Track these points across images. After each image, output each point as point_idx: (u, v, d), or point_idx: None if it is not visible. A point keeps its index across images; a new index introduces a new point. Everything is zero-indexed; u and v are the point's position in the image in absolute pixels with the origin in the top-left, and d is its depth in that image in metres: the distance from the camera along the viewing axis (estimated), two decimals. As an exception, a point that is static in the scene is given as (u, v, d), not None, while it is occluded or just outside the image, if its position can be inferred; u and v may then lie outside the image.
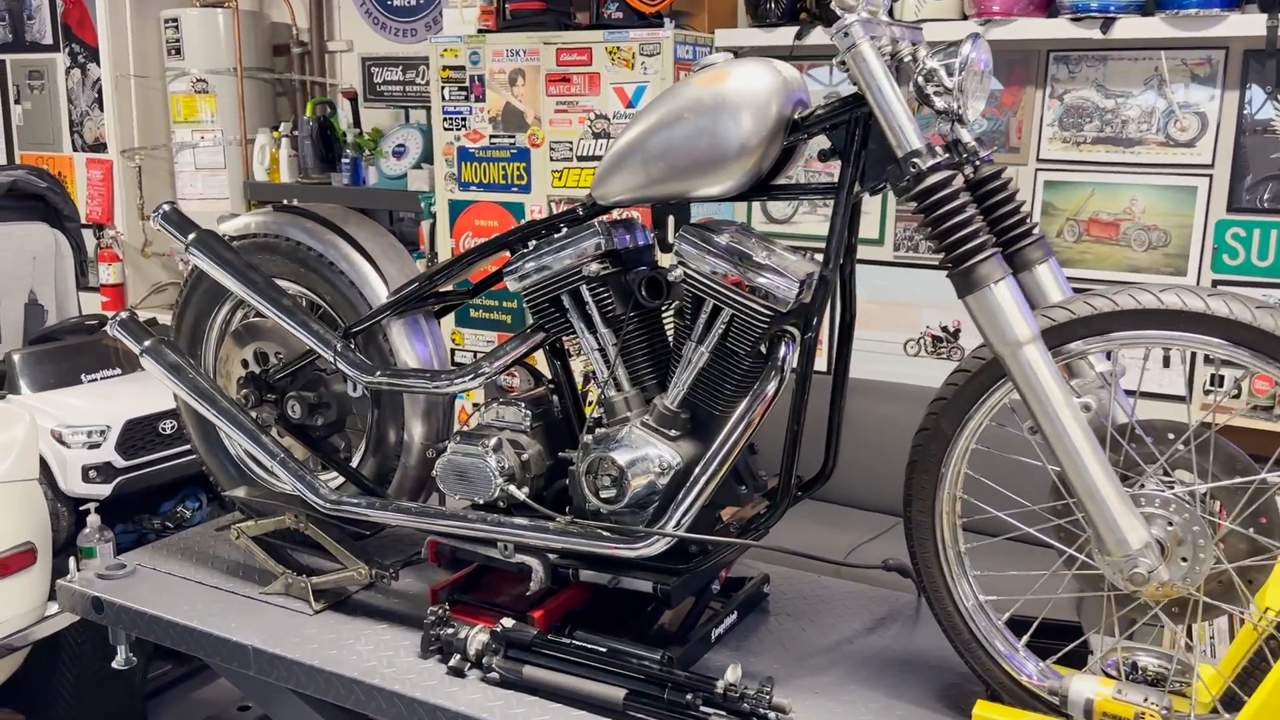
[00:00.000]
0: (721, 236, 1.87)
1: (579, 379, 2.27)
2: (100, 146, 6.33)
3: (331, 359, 2.24)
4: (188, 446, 3.31)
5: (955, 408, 1.78)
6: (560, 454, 2.11)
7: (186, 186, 6.14)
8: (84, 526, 2.84)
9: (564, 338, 2.13)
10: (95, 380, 3.50)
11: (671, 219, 2.02)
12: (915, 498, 1.85)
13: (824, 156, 1.83)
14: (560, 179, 4.16)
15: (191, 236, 2.38)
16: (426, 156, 5.13)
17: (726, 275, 1.84)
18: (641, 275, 1.99)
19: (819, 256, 1.87)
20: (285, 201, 5.34)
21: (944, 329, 4.07)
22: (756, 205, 4.55)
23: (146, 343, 2.42)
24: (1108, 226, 3.76)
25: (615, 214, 2.16)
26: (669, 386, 1.97)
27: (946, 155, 1.67)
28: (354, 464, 2.44)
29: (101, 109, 6.24)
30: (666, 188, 1.93)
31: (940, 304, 4.03)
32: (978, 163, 1.78)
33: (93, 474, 3.23)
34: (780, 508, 1.90)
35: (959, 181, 1.67)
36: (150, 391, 3.37)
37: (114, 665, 2.46)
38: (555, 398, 2.24)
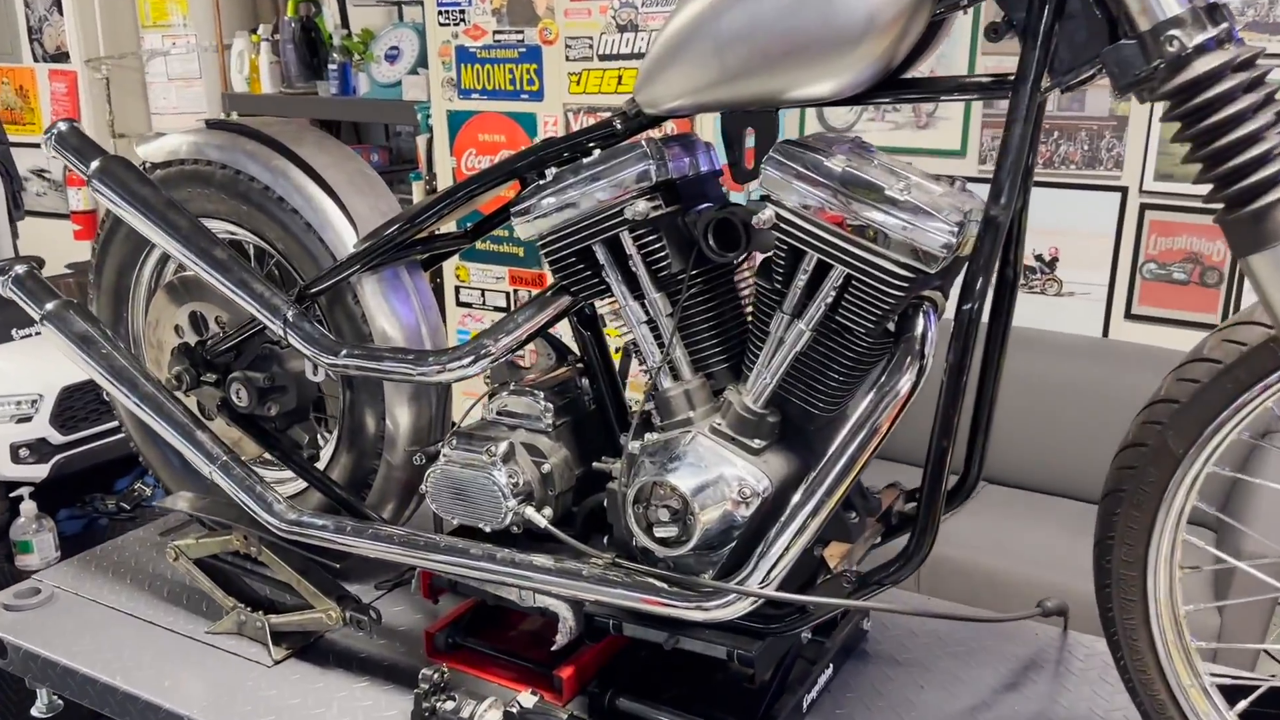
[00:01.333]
0: (833, 159, 1.25)
1: (611, 353, 1.68)
2: (63, 56, 5.66)
3: (280, 332, 1.65)
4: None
5: (1191, 417, 1.18)
6: (596, 464, 1.53)
7: (159, 99, 5.49)
8: (18, 516, 2.29)
9: (597, 302, 1.54)
10: (29, 337, 2.93)
11: (751, 134, 1.41)
12: (1119, 542, 1.27)
13: (994, 34, 1.20)
14: (579, 83, 3.50)
15: (95, 165, 1.77)
16: (423, 60, 4.47)
17: (843, 217, 1.23)
18: (708, 217, 1.38)
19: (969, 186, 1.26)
20: (224, 116, 4.69)
21: (1038, 258, 3.44)
22: (802, 113, 3.89)
23: (48, 305, 1.84)
24: None
25: (665, 129, 1.54)
26: (748, 376, 1.38)
27: (1222, 26, 1.05)
28: (322, 465, 1.87)
29: (61, 12, 5.56)
30: (748, 86, 1.31)
31: (1033, 227, 3.39)
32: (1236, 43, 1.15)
33: (24, 453, 2.67)
34: (918, 554, 1.32)
35: (1239, 73, 1.04)
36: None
37: (34, 714, 1.94)
38: (584, 380, 1.65)
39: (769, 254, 1.36)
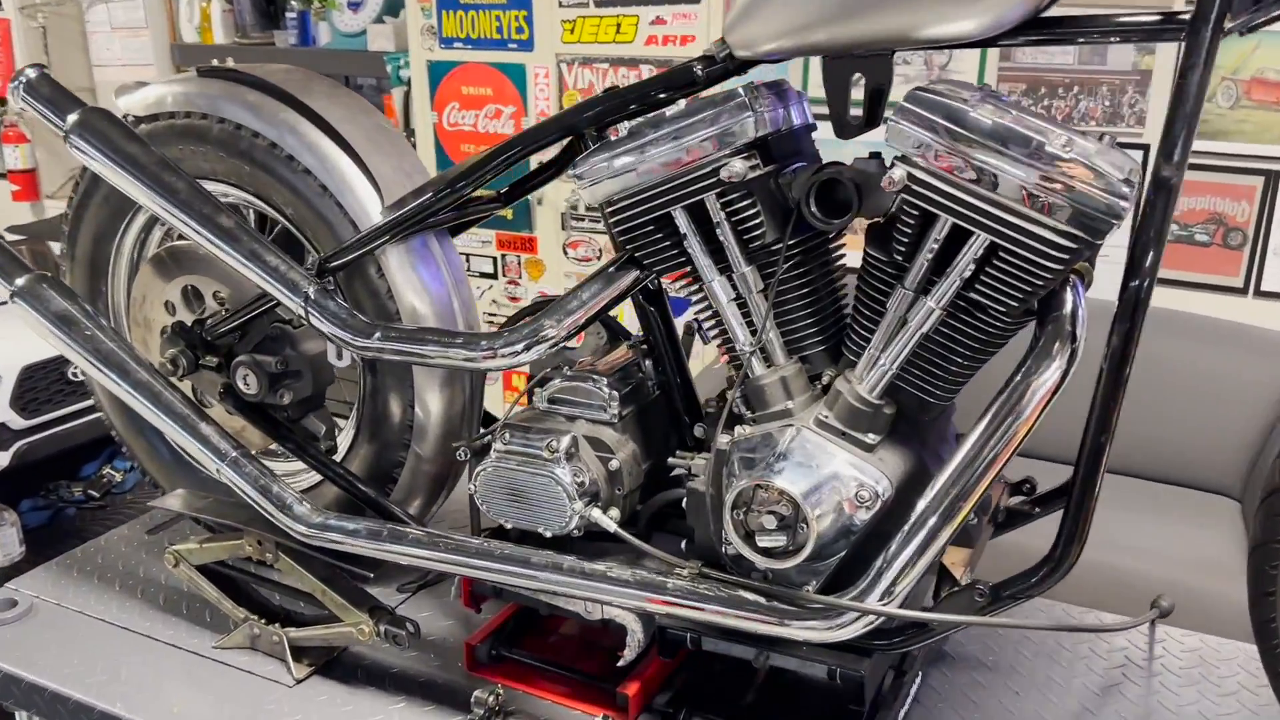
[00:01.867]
0: (979, 109, 1.07)
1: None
2: (-6, 2, 5.28)
3: (300, 311, 1.44)
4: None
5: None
6: (672, 459, 1.36)
7: (101, 50, 5.14)
8: (-25, 510, 2.06)
9: (667, 274, 1.35)
10: (-20, 309, 2.65)
11: (861, 80, 1.22)
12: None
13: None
14: (572, 32, 3.27)
15: (74, 119, 1.53)
16: (390, 8, 4.20)
17: (995, 178, 1.06)
18: (810, 177, 1.20)
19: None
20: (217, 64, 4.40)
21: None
22: (805, 61, 3.70)
23: (20, 280, 1.60)
24: (1275, 88, 2.98)
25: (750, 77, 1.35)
26: (855, 360, 1.21)
27: None
28: (339, 456, 1.67)
29: (-9, -46, 5.18)
30: (867, 24, 1.13)
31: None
32: None
33: (-19, 440, 2.43)
34: (1065, 563, 1.16)
35: None
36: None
37: (11, 739, 1.73)
38: (647, 362, 1.47)
39: (879, 219, 1.19)
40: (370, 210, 1.53)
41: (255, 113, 1.56)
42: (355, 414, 1.67)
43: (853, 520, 1.18)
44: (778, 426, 1.22)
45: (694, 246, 1.26)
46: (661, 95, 1.32)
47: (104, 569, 1.84)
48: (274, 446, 1.66)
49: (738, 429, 1.26)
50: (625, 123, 1.35)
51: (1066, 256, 1.06)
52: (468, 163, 1.42)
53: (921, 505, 1.15)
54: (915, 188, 1.10)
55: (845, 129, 1.24)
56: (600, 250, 3.59)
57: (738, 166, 1.18)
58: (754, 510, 1.20)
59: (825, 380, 1.28)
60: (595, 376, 1.41)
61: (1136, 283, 1.06)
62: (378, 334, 1.40)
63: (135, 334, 1.74)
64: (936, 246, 1.12)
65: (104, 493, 2.77)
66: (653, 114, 1.25)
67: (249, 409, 1.61)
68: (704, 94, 1.26)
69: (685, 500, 1.33)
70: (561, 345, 1.51)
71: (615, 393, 1.39)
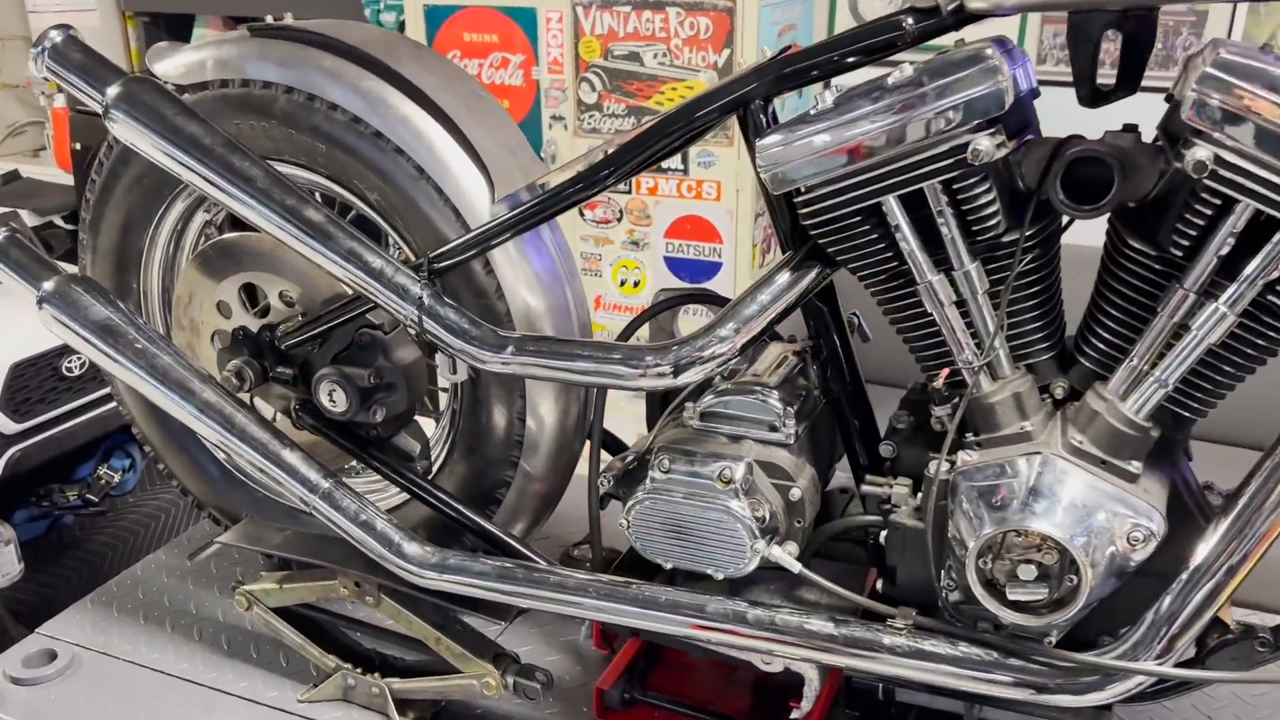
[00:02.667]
0: (1307, 78, 0.88)
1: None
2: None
3: (414, 320, 1.22)
4: (106, 390, 2.26)
5: None
6: (865, 486, 1.17)
7: (39, -7, 4.71)
8: (-32, 528, 1.81)
9: (866, 272, 1.15)
10: (-43, 298, 2.36)
11: (1117, 39, 1.02)
12: None
13: None
14: (591, -26, 3.00)
15: (115, 91, 1.27)
16: (376, -52, 3.87)
17: (1335, 164, 0.87)
18: (1062, 156, 1.00)
19: None
20: (121, 14, 4.02)
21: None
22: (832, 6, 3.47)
23: (48, 284, 1.35)
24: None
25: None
26: (1116, 373, 1.03)
27: None
28: (431, 475, 1.46)
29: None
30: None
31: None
32: None
33: (-30, 449, 2.16)
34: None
35: None
36: (44, 309, 2.26)
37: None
38: (810, 365, 1.27)
39: (1141, 207, 1.00)
40: (476, 196, 1.30)
41: (333, 80, 1.31)
42: (449, 426, 1.45)
43: (1126, 565, 1.00)
44: (1019, 454, 1.04)
45: (910, 241, 1.06)
46: (851, 59, 1.10)
47: (149, 606, 1.61)
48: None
49: (962, 455, 1.07)
50: (782, 93, 1.14)
51: None
52: (610, 150, 1.20)
53: (1206, 550, 0.97)
54: (1223, 172, 0.91)
55: (1089, 95, 1.04)
56: (621, 211, 3.36)
57: (985, 145, 0.97)
58: (1004, 558, 1.02)
59: (1057, 394, 1.09)
60: (763, 389, 1.21)
61: None
62: (510, 347, 1.18)
63: (180, 338, 1.50)
64: (1232, 241, 0.94)
65: (102, 495, 2.51)
66: (866, 83, 1.04)
67: (333, 427, 1.38)
68: (915, 55, 1.05)
69: (886, 536, 1.14)
70: (663, 329, 1.32)
71: (789, 408, 1.19)
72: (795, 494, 1.17)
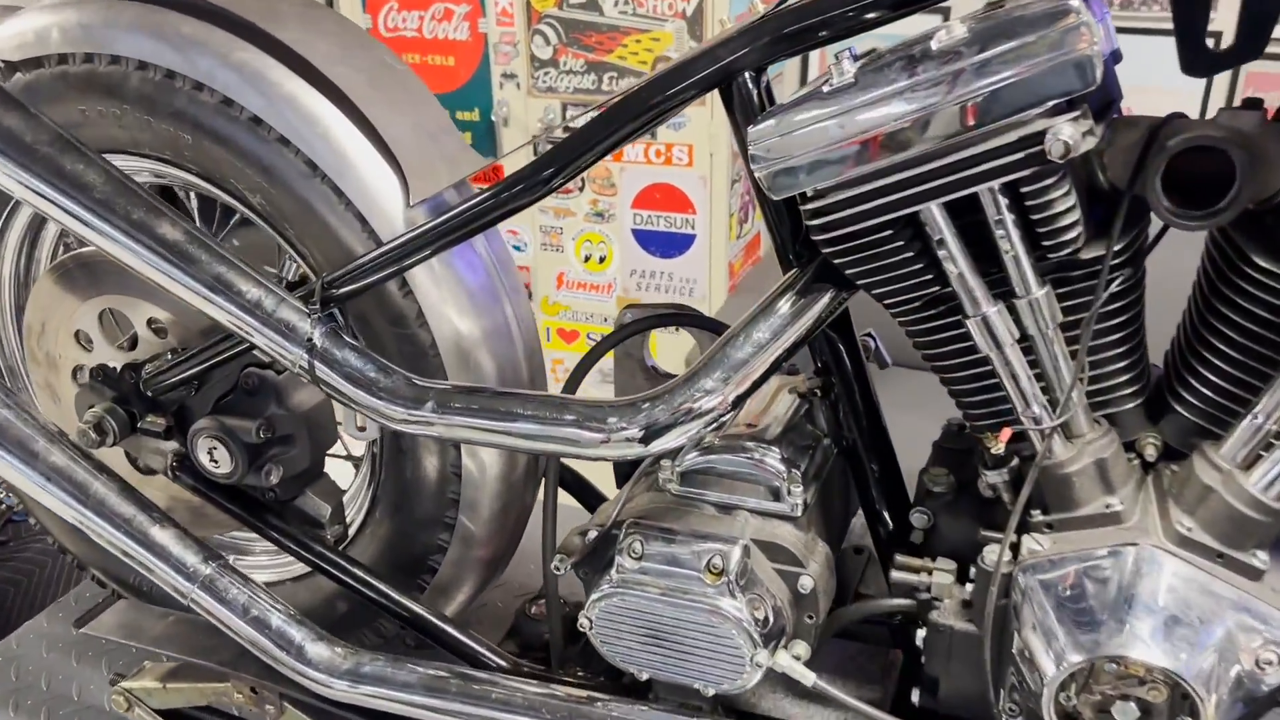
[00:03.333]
0: None
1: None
2: None
3: (304, 366, 0.93)
4: None
5: None
6: (894, 572, 0.91)
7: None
8: None
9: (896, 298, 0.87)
10: None
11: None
12: None
13: None
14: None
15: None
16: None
17: None
18: (1164, 147, 0.73)
19: None
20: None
21: (1117, 124, 2.89)
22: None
23: None
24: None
25: None
26: (1234, 433, 0.76)
27: None
28: (346, 542, 1.19)
29: None
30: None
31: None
32: None
33: None
34: None
35: None
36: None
37: None
38: (818, 406, 1.01)
39: (1265, 210, 0.74)
40: (386, 198, 1.01)
41: (196, 52, 1.01)
42: (369, 477, 1.18)
43: (1255, 692, 0.75)
44: (1108, 545, 0.78)
45: (959, 261, 0.78)
46: (873, 14, 0.82)
47: (21, 693, 1.34)
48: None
49: (1029, 541, 0.81)
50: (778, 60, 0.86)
51: None
52: (561, 142, 0.91)
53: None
54: None
55: (1199, 60, 0.77)
56: (583, 180, 3.06)
57: (1069, 134, 0.70)
58: (1093, 690, 0.76)
59: (1148, 453, 0.83)
60: (760, 443, 0.94)
61: None
62: (431, 403, 0.91)
63: (36, 376, 1.21)
64: None
65: (3, 522, 2.21)
66: (898, 47, 0.76)
67: (218, 490, 1.10)
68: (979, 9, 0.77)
69: (925, 638, 0.88)
70: (635, 359, 1.06)
71: (795, 469, 0.93)
72: (806, 584, 0.90)
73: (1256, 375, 0.77)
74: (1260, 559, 0.76)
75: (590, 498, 1.17)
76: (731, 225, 2.72)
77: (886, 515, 0.99)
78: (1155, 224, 0.81)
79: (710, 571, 0.88)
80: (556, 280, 2.93)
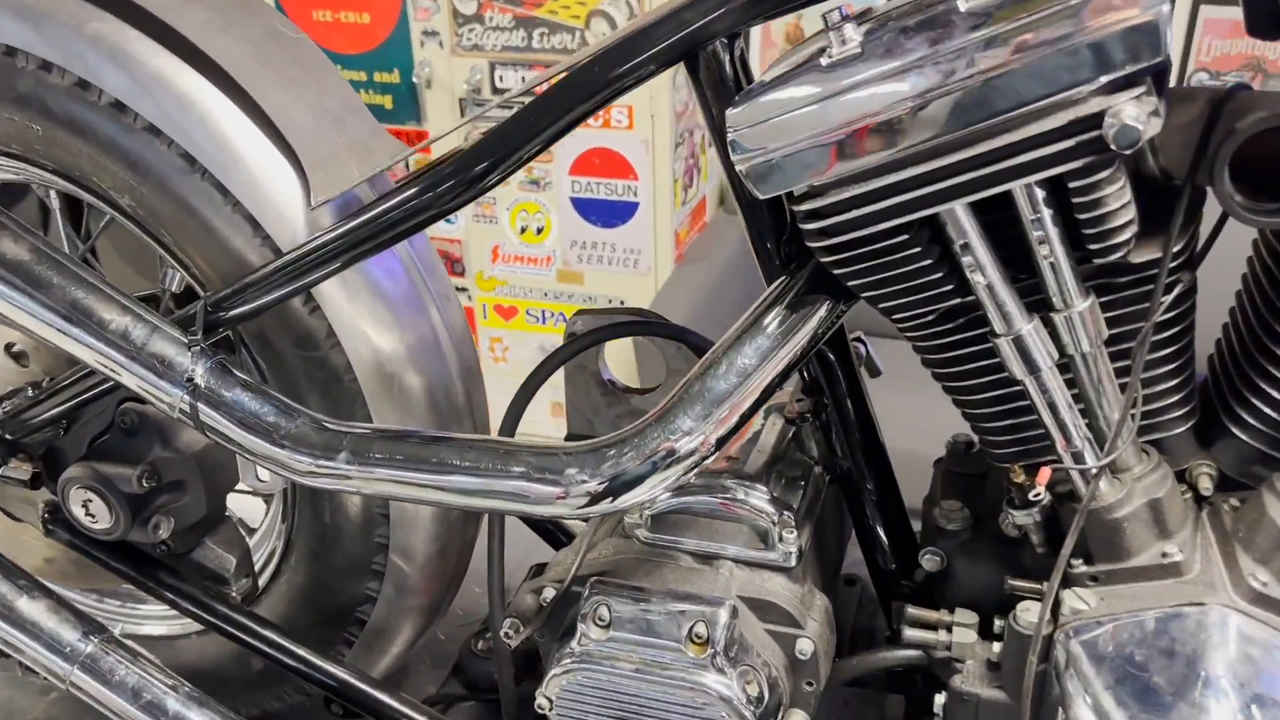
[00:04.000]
0: None
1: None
2: None
3: (184, 409, 0.76)
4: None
5: None
6: (909, 630, 0.77)
7: None
8: None
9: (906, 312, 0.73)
10: None
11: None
12: None
13: None
14: None
15: None
16: None
17: None
18: (1234, 129, 0.60)
19: None
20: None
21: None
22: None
23: None
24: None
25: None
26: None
27: None
28: (256, 596, 1.02)
29: None
30: None
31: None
32: None
33: None
34: None
35: None
36: None
37: None
38: (809, 431, 0.87)
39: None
40: (281, 197, 0.84)
41: (44, 23, 0.82)
42: (279, 521, 1.01)
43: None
44: (1172, 606, 0.65)
45: (988, 271, 0.64)
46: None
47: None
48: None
49: (1071, 599, 0.68)
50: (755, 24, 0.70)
51: None
52: (493, 130, 0.75)
53: None
54: None
55: (1270, 17, 0.63)
56: (515, 144, 2.86)
57: (1132, 115, 0.56)
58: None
59: (1202, 486, 0.71)
60: (744, 481, 0.80)
61: None
62: (345, 452, 0.74)
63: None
64: None
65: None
66: (911, 5, 0.61)
67: (98, 546, 0.93)
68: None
69: (945, 705, 0.75)
70: (593, 373, 0.93)
71: (787, 512, 0.78)
72: (805, 648, 0.77)
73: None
74: (1339, 611, 0.64)
75: (553, 529, 1.02)
76: (676, 191, 2.56)
77: (888, 548, 0.86)
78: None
79: (693, 641, 0.74)
80: (491, 254, 2.74)
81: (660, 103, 2.39)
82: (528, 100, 0.75)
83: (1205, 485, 0.71)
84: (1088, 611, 0.67)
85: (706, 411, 0.69)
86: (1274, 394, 0.68)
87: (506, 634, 0.81)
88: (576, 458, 0.70)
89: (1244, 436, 0.70)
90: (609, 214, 2.57)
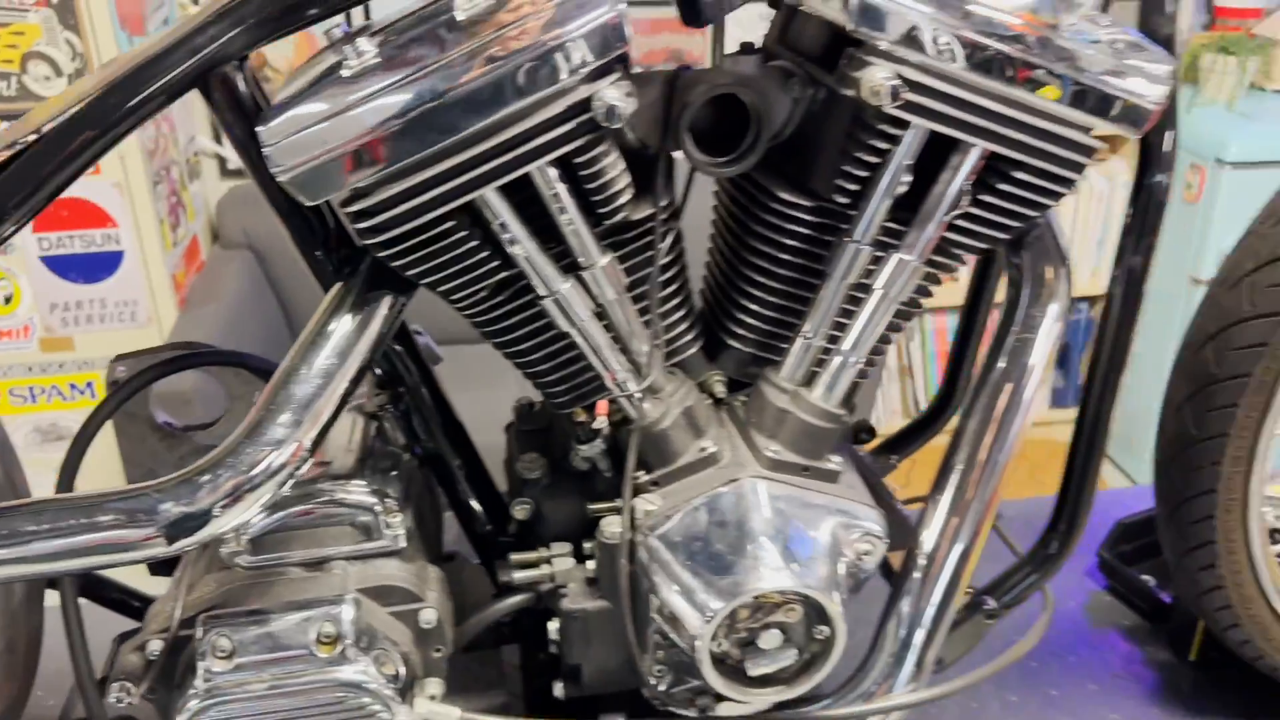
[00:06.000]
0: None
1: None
2: None
3: None
4: None
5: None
6: (517, 573, 0.86)
7: None
8: None
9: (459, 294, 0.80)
10: None
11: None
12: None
13: None
14: None
15: None
16: None
17: (1029, 67, 0.72)
18: (689, 101, 0.75)
19: None
20: None
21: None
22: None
23: None
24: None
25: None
26: (789, 355, 0.82)
27: None
28: None
29: None
30: None
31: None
32: None
33: None
34: (1068, 548, 0.93)
35: None
36: None
37: None
38: (390, 420, 0.92)
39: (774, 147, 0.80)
40: None
41: None
42: None
43: (858, 582, 0.82)
44: (714, 487, 0.80)
45: (525, 244, 0.74)
46: (362, -20, 0.73)
47: None
48: None
49: (641, 504, 0.81)
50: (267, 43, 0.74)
51: (1084, 165, 0.78)
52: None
53: (932, 540, 0.83)
54: (914, 98, 0.72)
55: (696, 11, 0.79)
56: None
57: (614, 97, 0.68)
58: (738, 628, 0.78)
59: (717, 390, 0.87)
60: (338, 479, 0.83)
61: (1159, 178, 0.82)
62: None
63: None
64: (909, 177, 0.76)
65: None
66: (416, 15, 0.68)
67: None
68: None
69: (559, 628, 0.85)
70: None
71: (388, 498, 0.83)
72: (429, 617, 0.82)
73: (797, 299, 0.83)
74: (835, 462, 0.83)
75: (125, 598, 0.96)
76: (164, 233, 2.41)
77: (482, 513, 0.93)
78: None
79: (322, 643, 0.76)
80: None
81: (128, 142, 2.23)
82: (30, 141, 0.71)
83: (719, 390, 0.87)
84: (656, 510, 0.80)
85: (297, 418, 0.72)
86: (755, 308, 0.85)
87: (117, 699, 0.77)
88: (169, 492, 0.69)
89: (739, 346, 0.87)
90: (91, 268, 2.35)
